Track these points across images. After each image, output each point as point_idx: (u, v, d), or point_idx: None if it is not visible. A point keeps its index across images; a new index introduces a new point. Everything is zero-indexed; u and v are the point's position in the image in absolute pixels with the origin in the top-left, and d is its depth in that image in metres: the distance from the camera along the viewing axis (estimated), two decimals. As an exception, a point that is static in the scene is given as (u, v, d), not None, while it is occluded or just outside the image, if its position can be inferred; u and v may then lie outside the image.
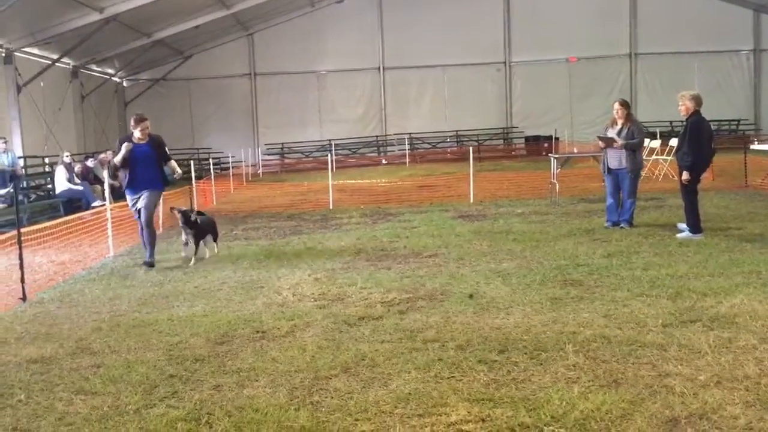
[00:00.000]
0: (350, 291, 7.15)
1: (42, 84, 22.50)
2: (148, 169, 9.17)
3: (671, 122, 30.01)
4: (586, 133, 30.02)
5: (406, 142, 33.37)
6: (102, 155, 19.00)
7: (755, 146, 22.25)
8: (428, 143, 34.78)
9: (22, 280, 7.48)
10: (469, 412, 3.97)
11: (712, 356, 4.71)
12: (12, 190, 14.28)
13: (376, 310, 6.30)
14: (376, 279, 7.66)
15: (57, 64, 23.31)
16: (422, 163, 31.46)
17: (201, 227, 9.42)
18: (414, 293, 6.90)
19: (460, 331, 5.54)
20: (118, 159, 9.06)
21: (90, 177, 17.59)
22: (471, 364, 4.77)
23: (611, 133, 10.26)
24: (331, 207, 15.24)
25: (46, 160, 21.50)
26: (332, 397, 4.32)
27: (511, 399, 4.14)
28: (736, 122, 33.87)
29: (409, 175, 23.24)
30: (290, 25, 33.43)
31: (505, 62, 34.51)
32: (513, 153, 33.88)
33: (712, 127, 9.71)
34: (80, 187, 16.66)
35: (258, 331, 5.82)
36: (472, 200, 14.94)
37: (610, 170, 10.27)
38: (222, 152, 31.05)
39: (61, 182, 16.48)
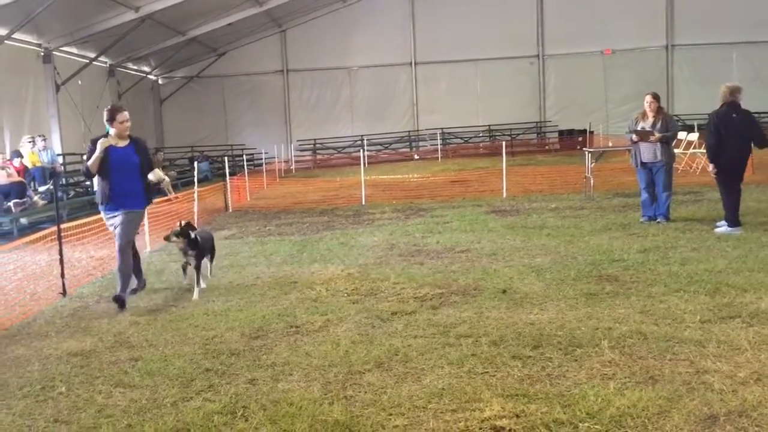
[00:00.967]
0: (383, 286, 7.16)
1: (80, 82, 22.93)
2: (127, 179, 7.02)
3: (709, 115, 29.40)
4: (621, 127, 29.57)
5: (438, 137, 33.26)
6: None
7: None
8: (460, 138, 34.61)
9: (62, 275, 7.65)
10: (503, 408, 3.95)
11: (752, 353, 4.62)
12: (51, 187, 14.60)
13: (409, 305, 6.31)
14: (408, 274, 7.66)
15: (94, 62, 23.72)
16: (454, 158, 31.33)
17: (202, 246, 7.56)
18: (447, 288, 6.89)
19: (494, 326, 5.51)
20: (90, 161, 6.92)
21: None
22: (505, 359, 4.75)
23: (644, 127, 10.10)
24: (363, 202, 15.27)
25: (85, 157, 21.89)
26: (366, 392, 4.34)
27: (545, 395, 4.12)
28: (777, 114, 33.05)
29: (441, 171, 23.17)
30: (322, 21, 33.52)
31: (538, 55, 34.14)
32: (546, 147, 33.52)
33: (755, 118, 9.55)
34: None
35: (292, 326, 5.87)
36: (504, 195, 14.84)
37: (644, 164, 10.12)
38: (255, 148, 31.33)
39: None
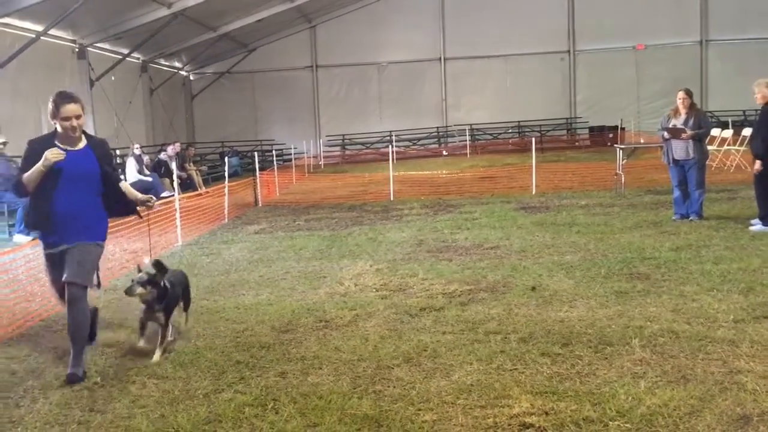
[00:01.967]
0: (411, 282, 7.18)
1: (113, 78, 23.28)
2: (81, 196, 4.99)
3: (744, 111, 28.88)
4: (653, 123, 29.17)
5: (467, 133, 33.13)
6: (170, 147, 19.54)
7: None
8: (489, 134, 34.44)
9: (97, 268, 7.76)
10: (532, 405, 3.95)
11: (787, 354, 4.55)
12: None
13: (438, 301, 6.31)
14: (437, 270, 7.67)
15: (127, 58, 24.05)
16: (483, 154, 31.19)
17: (172, 295, 5.42)
18: (475, 285, 6.88)
19: (523, 323, 5.50)
20: (27, 175, 4.85)
21: (161, 169, 18.12)
22: (534, 356, 4.74)
23: (675, 124, 9.97)
24: (391, 198, 15.29)
25: (117, 152, 22.25)
26: (394, 387, 4.36)
27: (575, 393, 4.10)
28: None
29: (470, 167, 23.09)
30: (352, 17, 33.58)
31: (569, 51, 33.81)
32: (577, 143, 33.21)
33: None
34: (150, 178, 17.19)
35: (321, 320, 5.92)
36: (534, 192, 14.75)
37: (676, 161, 10.00)
38: (284, 144, 31.50)
39: (132, 173, 17.04)
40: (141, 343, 5.30)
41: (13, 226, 11.42)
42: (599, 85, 33.30)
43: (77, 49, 21.19)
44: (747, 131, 14.14)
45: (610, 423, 3.70)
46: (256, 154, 19.21)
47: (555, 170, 18.34)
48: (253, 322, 5.99)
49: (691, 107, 10.00)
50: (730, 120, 25.24)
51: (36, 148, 4.91)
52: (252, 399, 4.27)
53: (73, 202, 4.92)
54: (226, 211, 13.39)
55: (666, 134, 10.01)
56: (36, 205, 5.02)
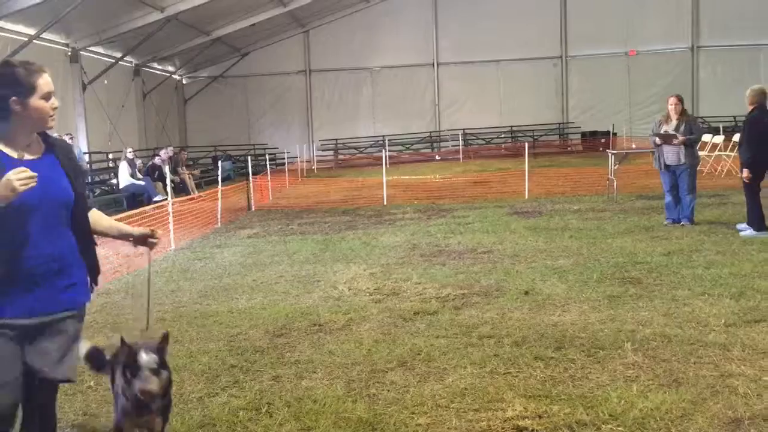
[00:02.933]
0: (405, 286, 7.19)
1: (106, 82, 23.22)
2: (53, 233, 2.98)
3: (735, 117, 29.07)
4: (644, 129, 29.32)
5: (460, 138, 33.21)
6: (163, 151, 19.52)
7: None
8: (482, 139, 34.53)
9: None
10: (525, 408, 3.97)
11: (778, 357, 4.59)
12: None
13: (431, 306, 6.33)
14: (430, 274, 7.69)
15: (120, 62, 24.01)
16: (476, 159, 31.27)
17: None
18: (469, 289, 6.90)
19: (516, 327, 5.52)
20: None
21: (154, 174, 18.10)
22: (527, 360, 4.76)
23: (667, 129, 10.05)
24: (385, 203, 15.31)
25: (110, 156, 22.22)
26: (389, 390, 4.37)
27: (568, 396, 4.13)
28: (804, 117, 32.55)
29: (462, 171, 23.14)
30: (345, 22, 33.62)
31: (561, 57, 33.95)
32: (569, 149, 33.33)
33: None
34: (142, 182, 17.17)
35: (315, 324, 5.92)
36: (527, 196, 14.80)
37: (667, 167, 10.07)
38: (277, 148, 31.49)
39: (125, 177, 17.02)
40: None
41: None
42: (591, 90, 33.45)
43: (70, 53, 21.14)
44: (737, 137, 14.23)
45: (603, 426, 3.72)
46: (249, 158, 19.20)
47: (548, 175, 18.41)
48: (247, 326, 5.99)
49: (683, 113, 10.09)
50: (720, 125, 25.39)
51: None
52: (246, 403, 4.27)
53: (42, 243, 2.93)
54: (219, 216, 13.38)
55: (657, 140, 10.09)
56: None
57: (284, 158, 27.45)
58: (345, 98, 34.71)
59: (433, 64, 34.37)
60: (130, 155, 17.71)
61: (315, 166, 31.54)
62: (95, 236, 3.27)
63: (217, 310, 6.59)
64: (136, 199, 16.61)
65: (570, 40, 33.71)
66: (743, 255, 7.82)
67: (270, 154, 27.50)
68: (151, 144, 26.51)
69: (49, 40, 19.91)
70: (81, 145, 20.09)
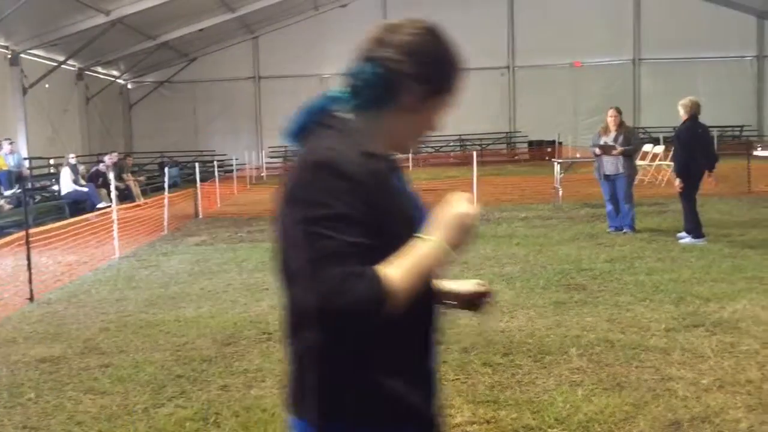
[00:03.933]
0: (355, 294, 7.17)
1: (47, 86, 22.59)
2: None
3: (674, 128, 29.93)
4: (589, 138, 29.96)
5: (410, 146, 33.37)
6: (107, 157, 19.10)
7: (759, 152, 22.26)
8: (431, 147, 34.77)
9: (30, 281, 7.54)
10: (473, 414, 4.01)
11: (715, 360, 4.75)
12: (18, 191, 14.38)
13: (381, 313, 6.33)
14: (380, 282, 7.69)
15: (63, 66, 23.40)
16: (425, 167, 31.48)
17: None
18: (418, 296, 6.93)
19: (465, 333, 5.58)
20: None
21: (98, 180, 17.67)
22: (475, 366, 4.82)
23: (606, 140, 10.34)
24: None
25: (52, 162, 21.60)
26: (338, 398, 4.35)
27: (515, 401, 4.19)
28: (739, 128, 33.83)
29: (412, 180, 23.22)
30: (294, 29, 33.50)
31: (508, 67, 34.53)
32: (516, 157, 33.88)
33: (711, 133, 9.84)
34: (85, 189, 16.75)
35: (264, 333, 5.87)
36: (475, 204, 14.94)
37: (606, 176, 10.36)
38: (225, 155, 31.12)
39: (67, 184, 16.57)
40: None
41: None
42: (538, 100, 34.06)
43: (9, 56, 20.50)
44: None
45: (549, 430, 3.79)
46: (196, 164, 18.92)
47: (496, 183, 18.66)
48: (194, 335, 5.90)
49: (621, 125, 10.39)
50: (661, 136, 26.16)
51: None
52: (193, 413, 4.21)
53: None
54: (165, 223, 13.15)
55: (597, 150, 10.39)
56: None
57: (232, 165, 27.12)
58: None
59: (383, 73, 34.46)
60: (72, 161, 17.26)
61: (264, 173, 31.29)
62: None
63: (163, 319, 6.47)
64: (78, 206, 16.18)
65: (518, 51, 34.31)
66: (682, 262, 8.08)
67: (218, 160, 27.17)
68: (95, 150, 25.86)
69: (-12, 42, 19.32)
70: (21, 151, 19.50)
